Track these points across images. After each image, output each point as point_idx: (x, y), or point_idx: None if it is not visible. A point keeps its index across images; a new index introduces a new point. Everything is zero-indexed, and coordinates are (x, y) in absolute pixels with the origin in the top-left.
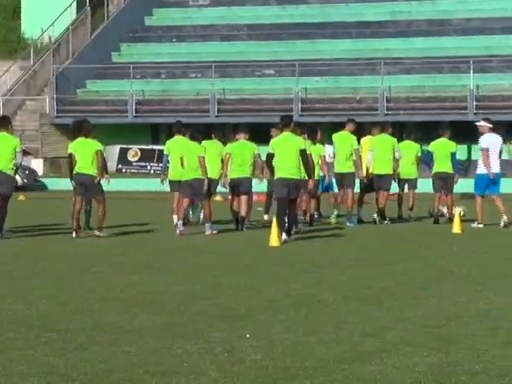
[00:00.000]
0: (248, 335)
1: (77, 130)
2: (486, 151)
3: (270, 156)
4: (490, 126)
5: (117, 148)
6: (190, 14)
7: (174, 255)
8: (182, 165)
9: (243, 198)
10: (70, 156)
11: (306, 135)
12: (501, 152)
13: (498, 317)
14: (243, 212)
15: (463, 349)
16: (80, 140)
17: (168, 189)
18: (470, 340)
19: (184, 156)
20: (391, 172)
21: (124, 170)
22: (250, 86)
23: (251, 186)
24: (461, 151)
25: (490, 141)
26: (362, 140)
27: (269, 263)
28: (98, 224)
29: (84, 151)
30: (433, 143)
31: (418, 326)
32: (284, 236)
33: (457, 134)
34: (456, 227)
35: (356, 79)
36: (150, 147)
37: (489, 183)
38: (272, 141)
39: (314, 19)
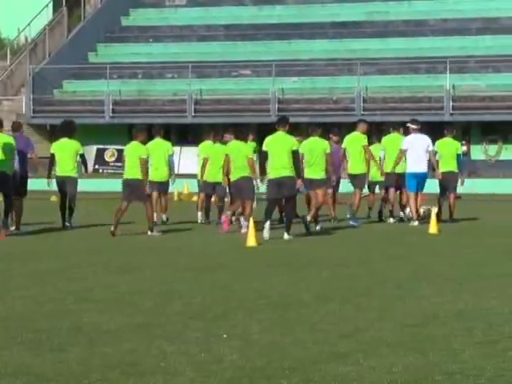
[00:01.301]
0: (225, 335)
1: (62, 130)
2: (403, 152)
3: (264, 154)
4: (415, 127)
5: (94, 148)
6: (167, 15)
7: (150, 255)
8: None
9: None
10: (52, 156)
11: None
12: (431, 152)
13: (474, 317)
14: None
15: (440, 349)
16: (62, 141)
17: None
18: (446, 340)
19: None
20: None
21: (101, 171)
22: (227, 86)
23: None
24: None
25: (412, 142)
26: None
27: (246, 263)
28: (149, 224)
29: (65, 152)
30: (438, 142)
31: (395, 326)
32: (285, 236)
33: (433, 134)
34: (432, 227)
35: (333, 79)
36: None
37: (418, 181)
38: (266, 140)
39: (290, 20)
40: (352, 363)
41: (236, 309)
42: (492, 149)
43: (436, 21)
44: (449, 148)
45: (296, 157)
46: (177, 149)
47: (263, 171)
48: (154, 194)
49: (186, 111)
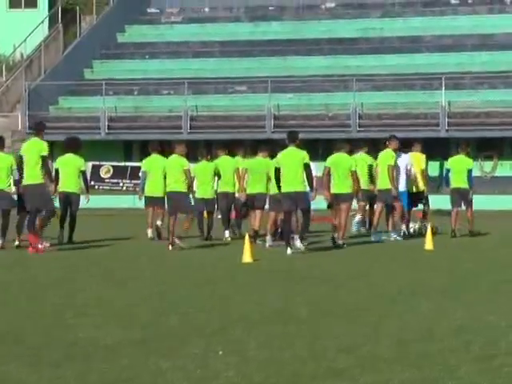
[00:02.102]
0: (220, 352)
1: (68, 146)
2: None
3: (278, 170)
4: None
5: (89, 165)
6: (163, 31)
7: (147, 270)
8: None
9: (257, 212)
10: (56, 171)
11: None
12: (409, 169)
13: (470, 332)
14: (256, 226)
15: (436, 364)
16: (67, 156)
17: (139, 205)
18: (443, 355)
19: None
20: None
21: (96, 187)
22: (223, 102)
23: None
24: (433, 167)
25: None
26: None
27: (243, 279)
28: (181, 233)
29: (69, 167)
30: (450, 159)
31: (392, 342)
32: (298, 243)
33: (429, 151)
34: (428, 243)
35: (328, 96)
36: (122, 164)
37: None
38: (278, 156)
39: (286, 36)
40: (349, 379)
41: (233, 324)
42: (487, 165)
43: (431, 37)
44: (460, 165)
45: (308, 170)
46: None
47: (278, 186)
48: (150, 210)
49: (181, 127)
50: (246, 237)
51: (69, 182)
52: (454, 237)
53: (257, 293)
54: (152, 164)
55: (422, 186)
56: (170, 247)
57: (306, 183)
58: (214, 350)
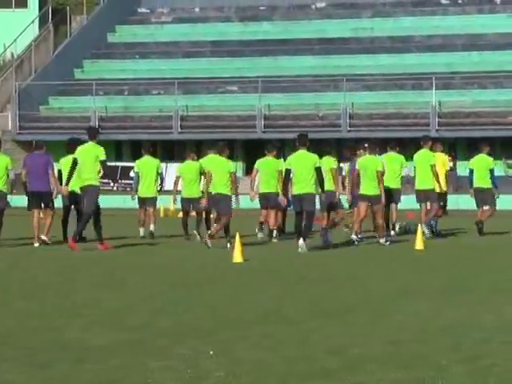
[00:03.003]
0: (211, 352)
1: (71, 147)
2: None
3: (287, 172)
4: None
5: None
6: (153, 31)
7: (137, 271)
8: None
9: (271, 211)
10: (59, 172)
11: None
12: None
13: (460, 332)
14: (272, 223)
15: (427, 365)
16: (69, 158)
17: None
18: (433, 356)
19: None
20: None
21: None
22: (213, 102)
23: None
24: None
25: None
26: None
27: (233, 279)
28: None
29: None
30: (472, 160)
31: (383, 342)
32: (300, 241)
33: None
34: (419, 243)
35: (318, 96)
36: (113, 164)
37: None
38: (289, 158)
39: (276, 36)
40: (338, 380)
41: (224, 325)
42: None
43: (421, 37)
44: (482, 164)
45: (319, 173)
46: (163, 165)
47: (286, 187)
48: (142, 210)
49: (172, 127)
50: (237, 237)
51: (74, 181)
52: (481, 234)
53: (247, 293)
54: (144, 165)
55: (444, 186)
56: (209, 241)
57: (315, 186)
58: (204, 350)
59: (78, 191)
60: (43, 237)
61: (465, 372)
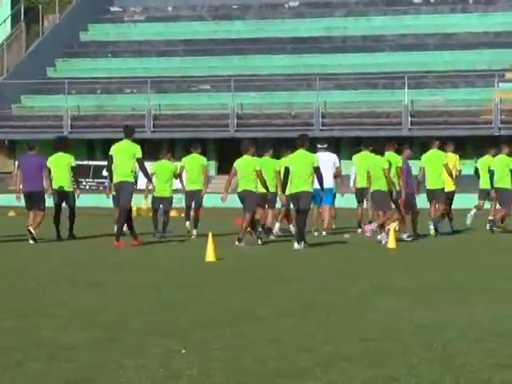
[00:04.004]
0: (183, 351)
1: (57, 145)
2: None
3: (287, 171)
4: (321, 146)
5: None
6: (126, 30)
7: (111, 271)
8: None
9: (269, 211)
10: (49, 170)
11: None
12: (337, 168)
13: (433, 331)
14: (269, 222)
15: (398, 363)
16: (58, 155)
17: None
18: (405, 354)
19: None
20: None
21: None
22: (186, 101)
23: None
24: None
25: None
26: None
27: (206, 278)
28: (239, 234)
29: (60, 166)
30: (494, 160)
31: (355, 341)
32: (296, 245)
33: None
34: (391, 242)
35: (291, 95)
36: (85, 163)
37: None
38: (288, 157)
39: (249, 35)
40: (311, 378)
41: (196, 324)
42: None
43: (394, 36)
44: (501, 164)
45: (319, 173)
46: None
47: (284, 186)
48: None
49: (144, 126)
50: (210, 236)
51: (62, 179)
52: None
53: (220, 293)
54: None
55: (453, 185)
56: (237, 242)
57: (311, 184)
58: (177, 349)
59: (67, 189)
60: (31, 228)
61: (437, 370)
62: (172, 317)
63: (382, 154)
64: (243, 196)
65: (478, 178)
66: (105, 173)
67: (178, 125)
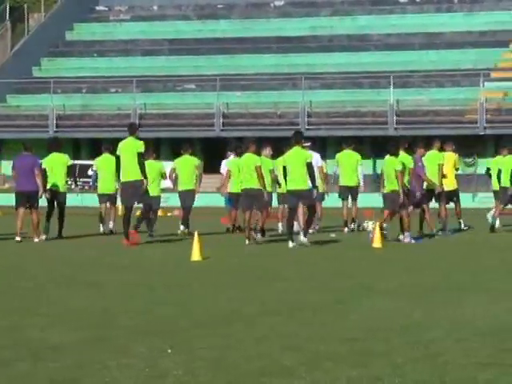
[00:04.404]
0: (169, 350)
1: (51, 146)
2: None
3: (284, 169)
4: (306, 144)
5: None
6: (111, 29)
7: (97, 271)
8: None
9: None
10: (44, 170)
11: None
12: (319, 167)
13: (416, 331)
14: (260, 222)
15: (383, 362)
16: (54, 155)
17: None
18: (389, 354)
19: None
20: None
21: None
22: (172, 100)
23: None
24: (381, 165)
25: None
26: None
27: (192, 278)
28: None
29: (56, 166)
30: (500, 159)
31: (339, 341)
32: (302, 238)
33: (377, 149)
34: (376, 241)
35: (277, 94)
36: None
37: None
38: (285, 155)
39: (234, 34)
40: (296, 377)
41: (182, 324)
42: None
43: (380, 36)
44: (508, 165)
45: (310, 169)
46: None
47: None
48: (103, 206)
49: None
50: (196, 235)
51: (58, 178)
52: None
53: (204, 292)
54: (103, 163)
55: (454, 184)
56: (247, 241)
57: (308, 181)
58: (163, 349)
59: (61, 189)
60: (36, 239)
61: (421, 370)
62: (159, 316)
63: (396, 155)
64: (246, 194)
65: (490, 177)
66: (90, 172)
67: (164, 124)
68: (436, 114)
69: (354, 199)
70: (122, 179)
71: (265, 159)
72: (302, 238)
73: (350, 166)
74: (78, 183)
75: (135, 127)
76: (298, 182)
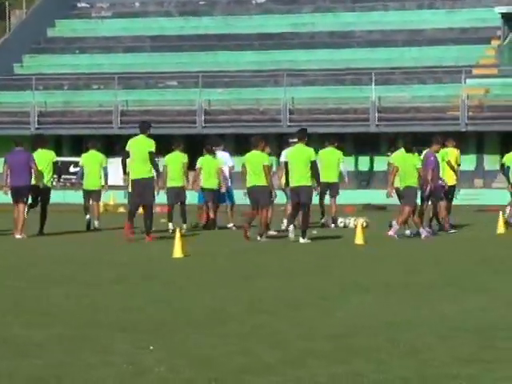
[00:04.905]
0: (151, 347)
1: (36, 142)
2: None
3: (285, 165)
4: (292, 140)
5: None
6: (93, 26)
7: (79, 267)
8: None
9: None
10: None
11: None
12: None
13: (400, 328)
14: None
15: (366, 359)
16: (39, 151)
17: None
18: (372, 350)
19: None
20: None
21: None
22: (153, 97)
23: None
24: (363, 162)
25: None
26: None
27: (174, 275)
28: (260, 229)
29: (42, 161)
30: (507, 155)
31: (322, 337)
32: (301, 240)
33: (359, 146)
34: (358, 238)
35: (259, 91)
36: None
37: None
38: (287, 151)
39: (216, 31)
40: (278, 374)
41: (165, 321)
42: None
43: (361, 32)
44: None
45: (315, 166)
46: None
47: (287, 181)
48: (88, 202)
49: (112, 122)
50: (177, 232)
51: (45, 174)
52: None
53: (187, 290)
54: (89, 159)
55: (454, 180)
56: (259, 238)
57: (310, 178)
58: (145, 346)
59: (48, 184)
60: (18, 235)
61: (404, 366)
62: (141, 313)
63: (413, 152)
64: (253, 192)
65: (504, 174)
66: (72, 169)
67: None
68: (417, 111)
69: (333, 196)
70: (132, 177)
71: (259, 154)
72: (301, 240)
73: (330, 163)
74: (61, 180)
75: (147, 125)
76: (299, 179)
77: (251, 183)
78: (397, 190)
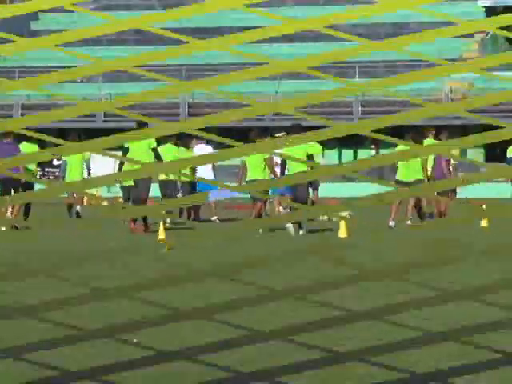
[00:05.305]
0: (135, 340)
1: (22, 135)
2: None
3: (284, 160)
4: (278, 135)
5: None
6: (76, 19)
7: (55, 262)
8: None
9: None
10: None
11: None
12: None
13: (382, 320)
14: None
15: (348, 354)
16: (25, 144)
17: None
18: (355, 345)
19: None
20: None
21: None
22: (137, 90)
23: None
24: (346, 156)
25: None
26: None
27: (153, 270)
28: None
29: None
30: (510, 148)
31: (294, 336)
32: (301, 231)
33: (342, 139)
34: (342, 231)
35: (245, 84)
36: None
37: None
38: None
39: (201, 24)
40: (233, 371)
41: (146, 318)
42: None
43: (346, 26)
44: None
45: (311, 160)
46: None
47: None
48: (71, 196)
49: (95, 115)
50: (161, 226)
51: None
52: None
53: (156, 288)
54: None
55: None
56: (261, 230)
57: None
58: (125, 342)
59: (29, 178)
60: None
61: (387, 361)
62: (120, 309)
63: (422, 143)
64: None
65: None
66: (55, 162)
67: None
68: (401, 104)
69: (316, 189)
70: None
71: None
72: (300, 231)
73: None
74: (45, 173)
75: (144, 125)
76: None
77: (251, 177)
78: (399, 182)
